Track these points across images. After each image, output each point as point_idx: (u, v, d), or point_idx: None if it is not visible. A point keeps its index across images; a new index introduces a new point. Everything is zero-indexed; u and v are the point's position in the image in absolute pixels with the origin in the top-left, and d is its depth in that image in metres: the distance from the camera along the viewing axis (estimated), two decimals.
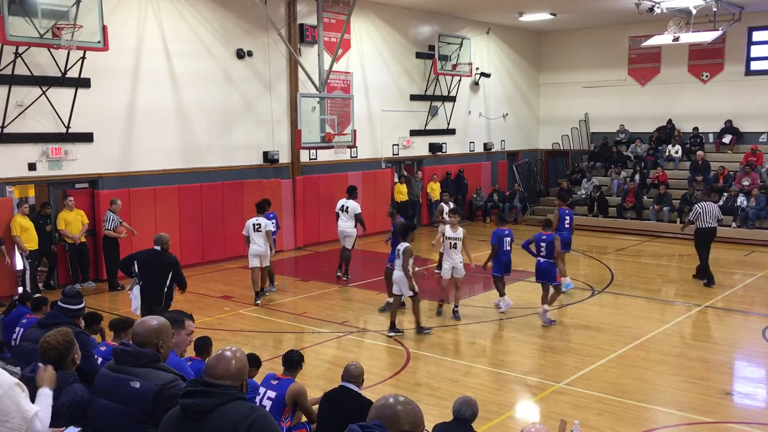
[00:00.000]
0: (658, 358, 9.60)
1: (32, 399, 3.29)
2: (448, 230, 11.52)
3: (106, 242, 13.59)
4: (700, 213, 13.89)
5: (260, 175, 16.89)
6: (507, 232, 11.96)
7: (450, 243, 11.39)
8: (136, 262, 9.08)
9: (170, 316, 4.65)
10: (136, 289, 9.06)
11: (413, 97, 20.92)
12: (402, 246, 10.45)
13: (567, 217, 13.57)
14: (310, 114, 15.84)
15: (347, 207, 14.13)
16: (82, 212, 13.68)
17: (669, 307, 12.51)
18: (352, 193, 14.34)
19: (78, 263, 13.62)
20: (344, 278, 14.34)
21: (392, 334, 10.52)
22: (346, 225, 14.13)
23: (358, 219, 14.10)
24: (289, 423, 5.93)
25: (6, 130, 12.57)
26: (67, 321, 5.75)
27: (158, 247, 9.08)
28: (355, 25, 18.67)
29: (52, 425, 3.73)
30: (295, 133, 16.15)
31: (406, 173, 21.21)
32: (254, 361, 6.35)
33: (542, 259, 11.29)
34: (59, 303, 6.01)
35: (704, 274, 13.95)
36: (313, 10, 16.93)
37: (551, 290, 11.22)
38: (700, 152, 21.36)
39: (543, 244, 11.27)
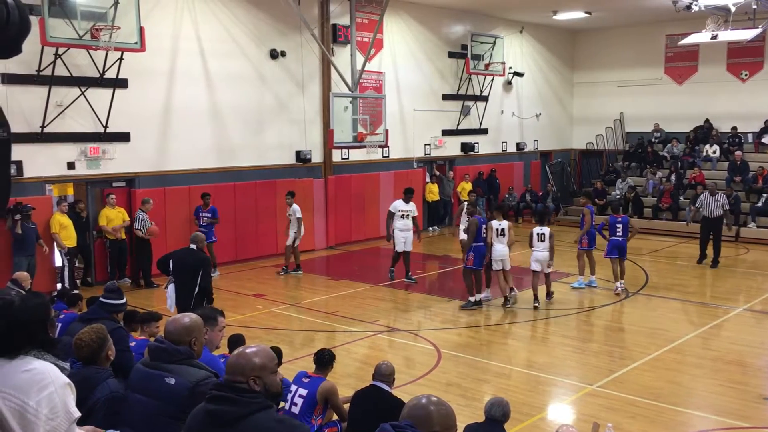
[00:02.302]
0: (693, 361, 9.44)
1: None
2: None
3: (137, 241, 13.76)
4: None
5: (293, 175, 17.00)
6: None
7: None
8: (171, 260, 9.19)
9: (203, 313, 4.71)
10: (171, 288, 9.17)
11: (445, 97, 20.86)
12: (547, 230, 12.21)
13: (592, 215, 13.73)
14: (343, 114, 15.89)
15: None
16: (123, 210, 13.90)
17: (705, 309, 12.29)
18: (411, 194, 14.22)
19: (117, 260, 13.87)
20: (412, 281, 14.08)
21: (537, 304, 12.08)
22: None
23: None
24: (321, 421, 5.97)
25: (46, 130, 12.85)
26: (107, 316, 5.89)
27: (194, 246, 9.17)
28: (387, 24, 18.68)
29: (87, 421, 3.79)
30: (328, 133, 16.23)
31: (437, 173, 21.16)
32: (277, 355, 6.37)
33: (620, 238, 13.04)
34: (100, 299, 6.17)
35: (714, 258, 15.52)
36: (346, 10, 16.98)
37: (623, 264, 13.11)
38: (738, 152, 20.94)
39: (619, 225, 13.12)
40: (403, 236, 13.80)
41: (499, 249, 12.00)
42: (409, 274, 13.99)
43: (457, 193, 21.13)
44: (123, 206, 14.13)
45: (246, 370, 3.07)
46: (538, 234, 12.21)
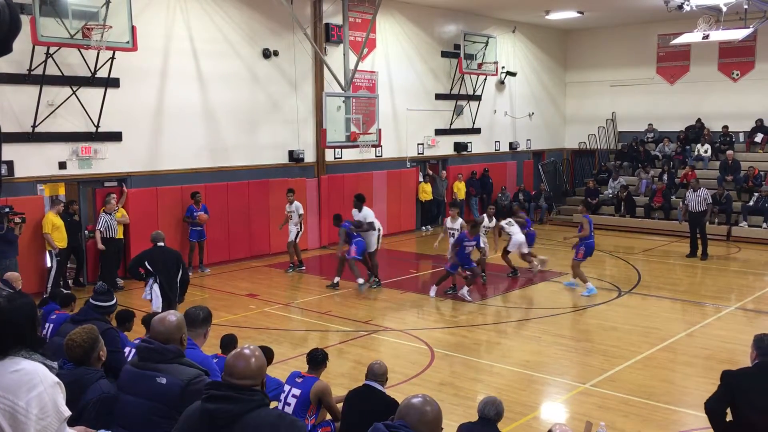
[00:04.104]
0: (685, 360, 9.48)
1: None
2: (448, 222, 13.51)
3: (102, 243, 13.35)
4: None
5: (286, 174, 16.98)
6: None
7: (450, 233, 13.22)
8: (147, 261, 9.28)
9: (204, 314, 4.76)
10: (156, 287, 9.25)
11: (438, 96, 20.87)
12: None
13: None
14: (336, 113, 15.89)
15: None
16: (123, 210, 13.82)
17: (697, 308, 12.34)
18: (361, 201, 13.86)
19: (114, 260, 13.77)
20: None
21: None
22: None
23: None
24: (314, 421, 5.97)
25: (37, 129, 12.78)
26: (98, 317, 5.88)
27: (161, 244, 9.44)
28: (380, 24, 18.68)
29: (79, 422, 3.78)
30: (321, 133, 16.21)
31: (431, 172, 21.17)
32: (267, 355, 6.36)
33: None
34: (90, 300, 6.17)
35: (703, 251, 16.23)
36: (338, 9, 16.97)
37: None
38: (730, 152, 21.03)
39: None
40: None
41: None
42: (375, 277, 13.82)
43: (452, 193, 21.15)
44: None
45: (261, 371, 3.13)
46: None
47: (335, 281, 13.55)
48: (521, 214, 15.49)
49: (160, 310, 9.05)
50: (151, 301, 9.42)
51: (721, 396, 5.07)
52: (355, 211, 13.73)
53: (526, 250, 14.33)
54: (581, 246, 13.04)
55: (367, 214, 13.59)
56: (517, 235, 14.17)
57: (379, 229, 13.70)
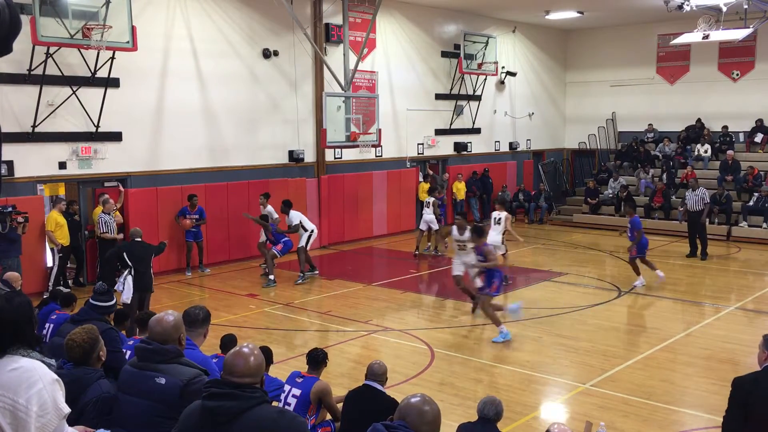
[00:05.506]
0: (685, 360, 9.48)
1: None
2: (455, 232, 11.97)
3: (101, 244, 13.28)
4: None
5: (286, 174, 16.98)
6: None
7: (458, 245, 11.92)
8: (125, 253, 9.85)
9: (204, 314, 4.78)
10: (129, 280, 9.76)
11: (438, 96, 20.87)
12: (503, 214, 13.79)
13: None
14: (336, 113, 15.89)
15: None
16: (116, 211, 13.80)
17: (697, 308, 12.34)
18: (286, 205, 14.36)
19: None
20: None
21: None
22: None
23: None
24: (314, 421, 5.97)
25: (37, 129, 12.78)
26: (98, 318, 5.89)
27: (139, 239, 10.03)
28: (380, 24, 18.68)
29: (79, 422, 3.79)
30: (321, 133, 16.21)
31: (431, 172, 21.17)
32: (267, 355, 6.35)
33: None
34: (90, 300, 6.19)
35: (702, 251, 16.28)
36: (338, 9, 16.97)
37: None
38: (730, 152, 21.03)
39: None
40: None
41: (492, 236, 12.83)
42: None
43: (452, 193, 21.13)
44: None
45: (260, 369, 3.15)
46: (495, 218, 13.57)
47: (271, 278, 13.90)
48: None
49: (129, 302, 9.68)
50: (122, 292, 9.71)
51: (735, 411, 4.52)
52: (292, 215, 14.18)
53: (436, 227, 16.35)
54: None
55: (293, 217, 14.19)
56: (429, 214, 16.43)
57: (312, 230, 14.32)
